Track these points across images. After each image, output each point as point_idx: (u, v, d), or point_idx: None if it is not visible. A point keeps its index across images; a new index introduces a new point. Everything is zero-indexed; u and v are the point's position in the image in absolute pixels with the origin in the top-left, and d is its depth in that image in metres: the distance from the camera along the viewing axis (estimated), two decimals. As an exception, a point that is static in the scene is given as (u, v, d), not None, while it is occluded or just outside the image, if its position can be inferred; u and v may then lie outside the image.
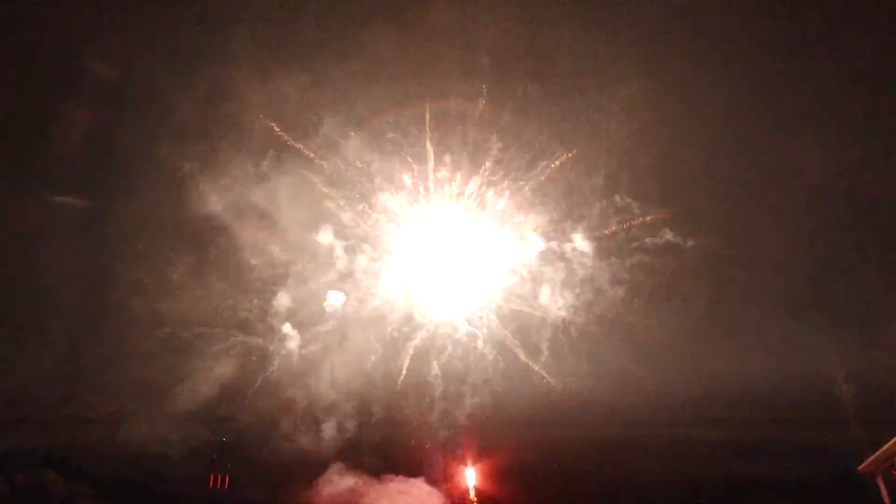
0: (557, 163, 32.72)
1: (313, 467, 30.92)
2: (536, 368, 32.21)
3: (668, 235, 31.66)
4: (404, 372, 32.46)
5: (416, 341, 32.87)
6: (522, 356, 32.45)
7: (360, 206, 33.18)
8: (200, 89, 32.14)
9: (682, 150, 33.16)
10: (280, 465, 30.97)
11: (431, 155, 32.79)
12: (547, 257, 32.88)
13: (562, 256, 32.72)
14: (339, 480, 30.54)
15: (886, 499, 25.28)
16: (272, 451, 31.19)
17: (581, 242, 32.61)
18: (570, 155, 32.63)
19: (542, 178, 32.85)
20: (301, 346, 32.52)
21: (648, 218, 32.11)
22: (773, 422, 30.48)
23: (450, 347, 32.78)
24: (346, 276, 32.82)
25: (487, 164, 32.80)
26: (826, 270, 32.02)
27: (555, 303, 32.40)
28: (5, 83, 32.12)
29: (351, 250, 33.19)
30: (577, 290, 32.43)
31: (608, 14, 33.05)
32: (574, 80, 32.85)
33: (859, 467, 25.82)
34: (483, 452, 31.80)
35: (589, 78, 32.66)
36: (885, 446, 24.81)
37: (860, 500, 26.06)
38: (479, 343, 32.79)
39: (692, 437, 30.83)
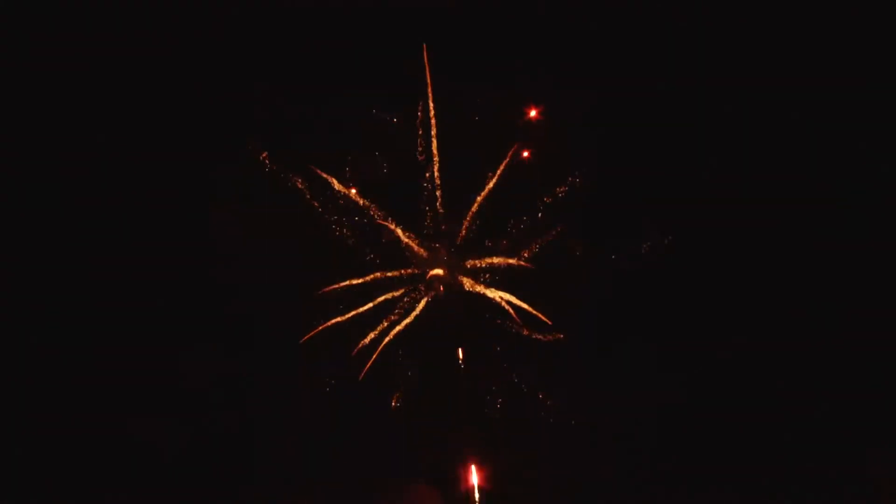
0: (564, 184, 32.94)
1: (312, 467, 31.15)
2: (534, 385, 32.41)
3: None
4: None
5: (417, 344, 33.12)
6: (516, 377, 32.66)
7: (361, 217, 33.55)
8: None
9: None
10: (279, 465, 31.23)
11: (430, 162, 33.07)
12: (546, 266, 33.08)
13: (563, 268, 32.91)
14: (339, 480, 30.67)
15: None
16: (271, 451, 31.52)
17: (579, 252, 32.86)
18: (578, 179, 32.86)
19: (548, 199, 33.12)
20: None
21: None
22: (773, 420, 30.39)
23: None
24: (346, 278, 33.09)
25: (488, 174, 33.09)
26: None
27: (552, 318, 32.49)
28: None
29: (350, 256, 33.55)
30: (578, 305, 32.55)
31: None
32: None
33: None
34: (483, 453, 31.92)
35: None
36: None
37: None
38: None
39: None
